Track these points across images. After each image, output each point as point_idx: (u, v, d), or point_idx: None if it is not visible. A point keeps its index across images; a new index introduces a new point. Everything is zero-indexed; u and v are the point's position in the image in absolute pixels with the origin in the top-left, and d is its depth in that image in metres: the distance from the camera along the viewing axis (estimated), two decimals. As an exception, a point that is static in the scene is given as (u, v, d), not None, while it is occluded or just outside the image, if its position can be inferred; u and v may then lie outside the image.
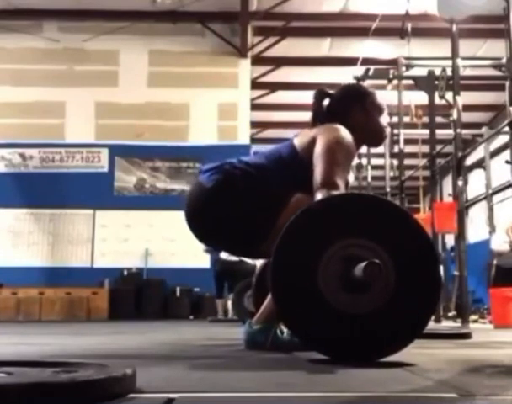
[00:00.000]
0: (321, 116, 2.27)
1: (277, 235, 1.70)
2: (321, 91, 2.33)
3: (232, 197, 2.10)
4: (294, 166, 2.15)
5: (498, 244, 7.60)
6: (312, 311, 1.64)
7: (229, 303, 7.47)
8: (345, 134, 2.11)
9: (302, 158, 2.13)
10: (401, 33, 9.41)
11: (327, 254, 1.65)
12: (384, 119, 2.34)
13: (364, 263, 1.55)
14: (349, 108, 2.27)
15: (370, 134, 2.31)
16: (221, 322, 7.19)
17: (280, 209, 2.02)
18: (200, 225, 2.21)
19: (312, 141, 2.12)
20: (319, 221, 1.69)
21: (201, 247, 9.57)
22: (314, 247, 1.66)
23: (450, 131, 6.94)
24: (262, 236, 2.06)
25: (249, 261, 6.43)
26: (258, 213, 2.07)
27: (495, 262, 7.49)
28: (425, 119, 8.80)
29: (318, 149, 2.07)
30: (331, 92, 2.33)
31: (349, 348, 1.64)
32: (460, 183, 6.25)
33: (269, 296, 2.12)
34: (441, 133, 8.60)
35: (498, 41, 7.42)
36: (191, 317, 9.56)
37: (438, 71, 8.14)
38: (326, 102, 2.31)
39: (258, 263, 6.17)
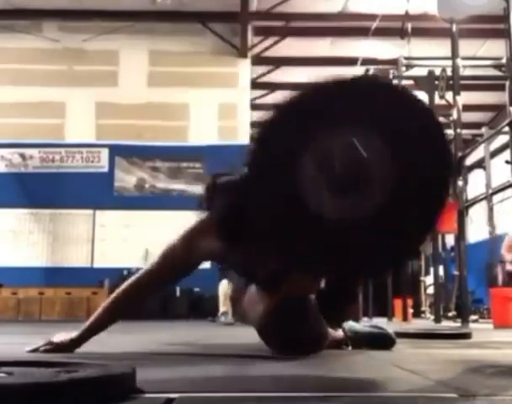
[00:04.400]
0: None
1: None
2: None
3: None
4: None
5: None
6: None
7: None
8: None
9: None
10: (401, 33, 9.42)
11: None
12: None
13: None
14: None
15: None
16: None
17: None
18: None
19: None
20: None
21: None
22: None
23: (450, 131, 6.95)
24: None
25: None
26: None
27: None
28: (425, 119, 8.79)
29: None
30: None
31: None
32: (460, 183, 6.26)
33: None
34: (441, 133, 8.59)
35: (498, 41, 7.41)
36: (191, 317, 9.55)
37: (438, 71, 8.15)
38: None
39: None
